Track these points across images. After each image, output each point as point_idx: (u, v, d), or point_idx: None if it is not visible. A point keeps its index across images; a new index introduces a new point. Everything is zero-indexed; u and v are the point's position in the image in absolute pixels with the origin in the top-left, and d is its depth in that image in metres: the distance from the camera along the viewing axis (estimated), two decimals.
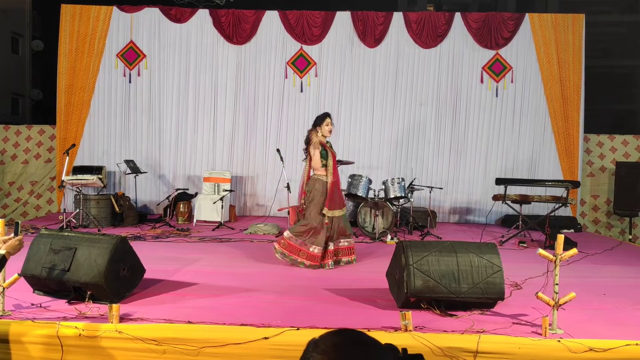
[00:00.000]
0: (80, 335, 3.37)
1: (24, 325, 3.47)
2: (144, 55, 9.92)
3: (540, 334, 3.51)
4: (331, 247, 5.69)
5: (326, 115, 5.80)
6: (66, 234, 4.36)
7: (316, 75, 9.86)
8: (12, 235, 3.18)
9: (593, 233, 9.46)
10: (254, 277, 5.16)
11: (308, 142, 5.80)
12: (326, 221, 5.62)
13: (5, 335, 3.41)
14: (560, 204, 7.44)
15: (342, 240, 5.81)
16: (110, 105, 9.91)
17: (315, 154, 5.68)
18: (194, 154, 9.96)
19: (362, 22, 9.76)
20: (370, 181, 7.71)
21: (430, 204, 8.48)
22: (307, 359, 1.19)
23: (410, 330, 3.47)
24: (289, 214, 7.64)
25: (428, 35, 9.73)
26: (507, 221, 8.93)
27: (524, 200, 7.70)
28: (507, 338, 3.44)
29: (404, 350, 1.25)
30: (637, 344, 3.34)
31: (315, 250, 5.59)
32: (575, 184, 8.10)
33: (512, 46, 9.70)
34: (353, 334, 1.24)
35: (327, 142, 5.83)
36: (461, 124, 9.79)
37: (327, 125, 5.73)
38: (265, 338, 3.32)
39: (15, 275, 3.69)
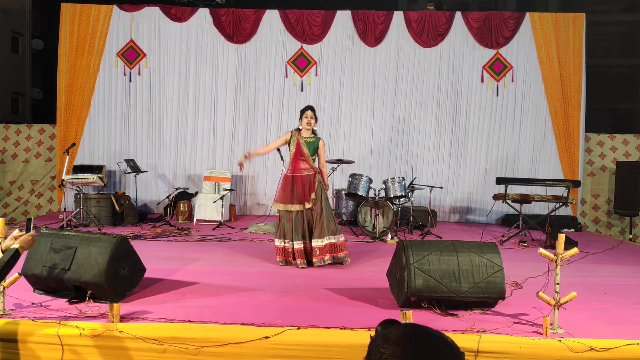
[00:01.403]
0: (80, 334, 3.37)
1: (24, 324, 3.47)
2: (144, 55, 9.91)
3: (541, 334, 3.51)
4: (299, 245, 5.58)
5: (305, 108, 5.84)
6: (66, 233, 4.36)
7: (316, 75, 9.85)
8: (18, 229, 3.22)
9: (593, 232, 9.45)
10: (254, 276, 5.16)
11: None
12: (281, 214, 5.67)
13: (8, 334, 3.41)
14: (560, 204, 7.43)
15: (318, 240, 5.59)
16: (111, 105, 9.90)
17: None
18: (194, 153, 9.96)
19: (362, 21, 9.75)
20: (370, 180, 7.71)
21: (431, 204, 8.48)
22: (379, 352, 1.17)
23: None
24: None
25: (428, 34, 9.72)
26: (507, 220, 8.93)
27: (524, 199, 7.70)
28: (508, 337, 3.44)
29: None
30: (638, 344, 3.34)
31: (277, 243, 5.67)
32: (576, 184, 8.10)
33: (512, 45, 9.69)
34: (417, 325, 1.26)
35: (311, 135, 5.78)
36: (461, 123, 9.78)
37: (306, 117, 5.76)
38: (266, 337, 3.31)
39: (16, 275, 3.70)
